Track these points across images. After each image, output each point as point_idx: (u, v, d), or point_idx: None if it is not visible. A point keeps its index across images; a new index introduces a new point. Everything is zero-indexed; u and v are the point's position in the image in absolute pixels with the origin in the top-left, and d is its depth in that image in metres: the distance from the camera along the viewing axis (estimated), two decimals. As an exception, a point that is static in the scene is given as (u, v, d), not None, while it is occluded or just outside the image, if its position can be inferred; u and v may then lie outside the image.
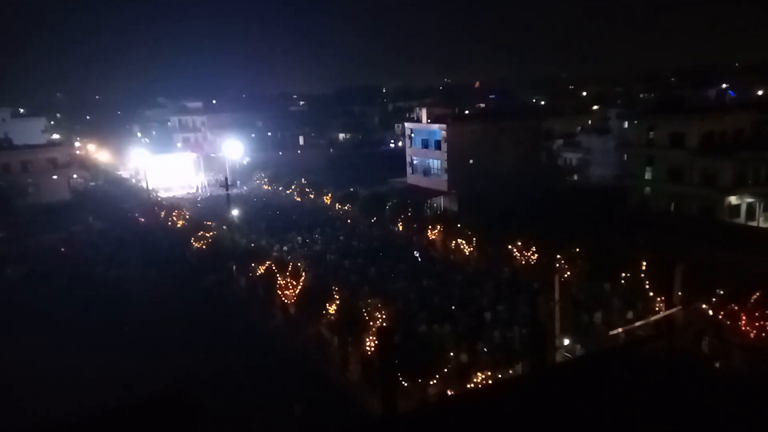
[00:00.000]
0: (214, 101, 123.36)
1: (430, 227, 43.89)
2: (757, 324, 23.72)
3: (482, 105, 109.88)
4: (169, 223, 52.16)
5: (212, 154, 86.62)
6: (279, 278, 31.80)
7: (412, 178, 67.18)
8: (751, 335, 23.73)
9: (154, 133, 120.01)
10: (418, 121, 66.75)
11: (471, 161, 59.18)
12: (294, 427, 21.27)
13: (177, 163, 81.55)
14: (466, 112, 77.26)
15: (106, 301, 34.42)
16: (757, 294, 24.35)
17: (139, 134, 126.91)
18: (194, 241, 44.18)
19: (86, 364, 25.35)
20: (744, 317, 24.36)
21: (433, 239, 43.31)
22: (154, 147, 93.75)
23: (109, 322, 30.90)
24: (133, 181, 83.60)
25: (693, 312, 26.08)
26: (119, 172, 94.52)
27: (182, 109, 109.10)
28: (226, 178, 58.98)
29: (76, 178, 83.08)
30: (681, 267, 16.35)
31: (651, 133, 54.85)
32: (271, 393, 23.24)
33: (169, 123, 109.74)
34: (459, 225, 41.81)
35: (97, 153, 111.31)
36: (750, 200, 48.19)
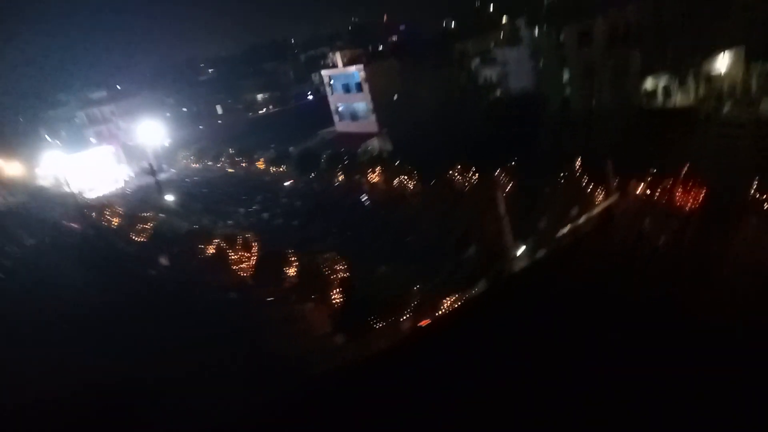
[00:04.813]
0: (118, 87, 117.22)
1: (369, 171, 43.89)
2: (690, 194, 25.16)
3: (394, 38, 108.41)
4: (104, 224, 50.11)
5: (129, 143, 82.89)
6: (231, 254, 31.34)
7: (341, 125, 66.42)
8: (687, 207, 25.20)
9: (63, 133, 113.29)
10: (335, 66, 65.47)
11: (395, 96, 58.86)
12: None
13: (95, 160, 77.96)
14: (380, 48, 76.18)
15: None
16: (686, 166, 25.76)
17: (47, 137, 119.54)
18: (134, 236, 42.73)
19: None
20: (678, 191, 25.78)
21: (374, 182, 43.41)
22: (67, 147, 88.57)
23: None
24: (54, 188, 79.30)
25: (630, 197, 27.43)
26: (37, 182, 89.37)
27: (86, 101, 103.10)
28: (151, 165, 56.75)
29: (-8, 197, 78.16)
30: (611, 158, 17.09)
31: (560, 36, 55.73)
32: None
33: (76, 119, 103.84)
34: (396, 163, 41.98)
35: (8, 166, 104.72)
36: (664, 83, 50.08)
